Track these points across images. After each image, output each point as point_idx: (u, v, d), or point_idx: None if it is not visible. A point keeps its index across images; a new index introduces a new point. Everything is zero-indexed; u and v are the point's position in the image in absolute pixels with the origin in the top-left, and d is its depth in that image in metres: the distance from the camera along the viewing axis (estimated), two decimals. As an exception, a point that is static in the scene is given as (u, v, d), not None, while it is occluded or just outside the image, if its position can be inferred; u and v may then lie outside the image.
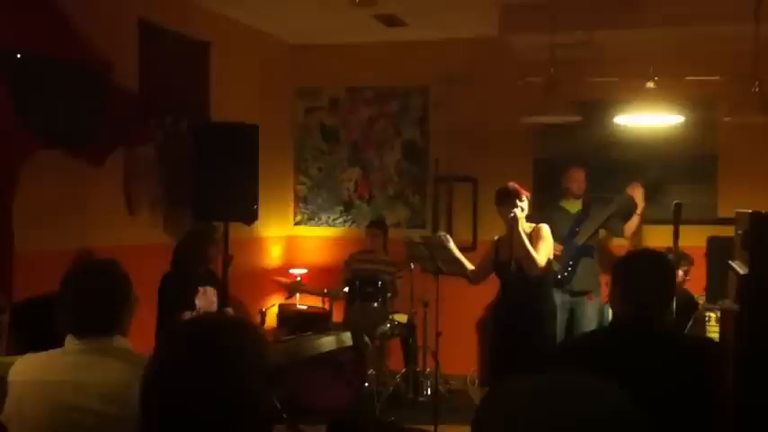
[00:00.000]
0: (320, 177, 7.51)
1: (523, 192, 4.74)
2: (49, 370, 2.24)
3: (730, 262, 2.51)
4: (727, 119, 5.04)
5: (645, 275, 2.48)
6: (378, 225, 6.76)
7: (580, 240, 5.76)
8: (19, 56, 4.30)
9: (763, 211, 2.25)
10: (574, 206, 5.92)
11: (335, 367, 5.09)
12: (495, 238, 4.97)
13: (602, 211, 5.84)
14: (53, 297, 2.35)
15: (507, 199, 4.70)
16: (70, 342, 2.27)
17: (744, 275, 2.26)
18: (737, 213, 2.49)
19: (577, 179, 5.86)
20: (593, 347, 2.48)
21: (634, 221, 5.79)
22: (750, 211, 2.31)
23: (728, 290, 3.29)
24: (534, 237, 4.71)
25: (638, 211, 5.78)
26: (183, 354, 1.47)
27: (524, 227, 4.72)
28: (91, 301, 2.28)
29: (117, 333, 2.31)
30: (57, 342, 2.29)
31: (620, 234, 5.89)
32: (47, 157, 4.55)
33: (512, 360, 4.58)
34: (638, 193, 5.76)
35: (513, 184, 4.77)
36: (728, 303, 2.43)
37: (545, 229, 4.76)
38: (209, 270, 5.00)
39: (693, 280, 5.51)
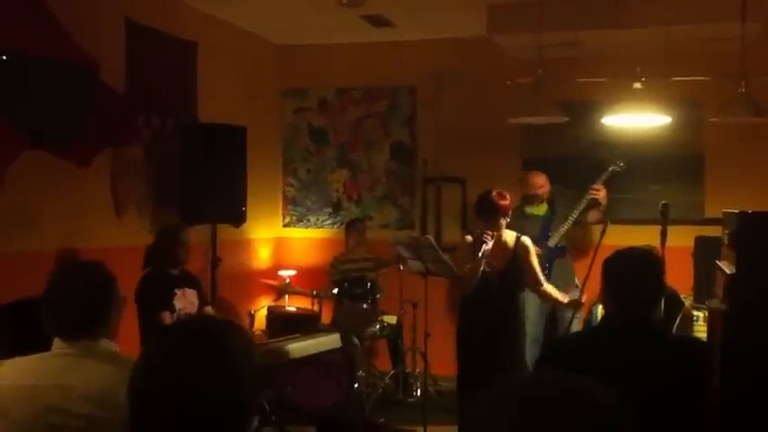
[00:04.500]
0: (309, 179, 7.49)
1: (508, 205, 4.65)
2: (35, 374, 2.22)
3: (717, 262, 2.52)
4: (713, 119, 5.05)
5: (633, 274, 2.48)
6: (354, 224, 6.76)
7: (553, 242, 5.80)
8: (4, 57, 4.26)
9: (750, 211, 2.26)
10: (540, 209, 5.95)
11: (325, 368, 5.08)
12: (469, 239, 4.84)
13: (570, 209, 5.88)
14: (39, 299, 2.34)
15: (491, 214, 4.56)
16: (57, 345, 2.26)
17: (731, 275, 2.26)
18: (725, 213, 2.49)
19: (539, 180, 5.89)
20: (583, 347, 2.48)
21: (596, 213, 5.91)
22: (737, 210, 2.31)
23: (716, 290, 3.30)
24: (523, 252, 4.67)
25: (602, 207, 5.89)
26: (170, 354, 1.48)
27: (507, 238, 4.70)
28: (76, 304, 2.27)
29: (103, 335, 2.31)
30: (44, 344, 2.28)
31: (585, 220, 5.98)
32: (33, 158, 4.52)
33: (484, 374, 4.52)
34: (600, 194, 5.86)
35: (500, 200, 4.59)
36: (716, 303, 2.44)
37: (528, 241, 4.74)
38: (186, 272, 4.94)
39: (680, 279, 5.53)
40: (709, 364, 2.36)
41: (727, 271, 2.29)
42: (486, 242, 4.50)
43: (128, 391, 1.47)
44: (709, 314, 2.80)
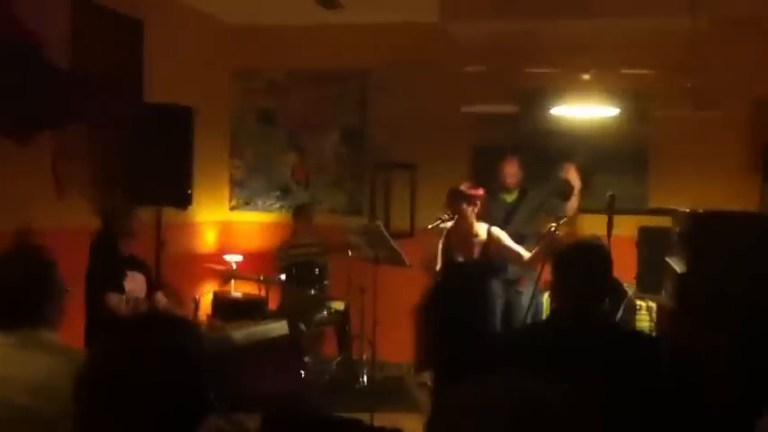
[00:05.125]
0: (257, 162, 7.39)
1: (474, 195, 4.76)
2: (-26, 366, 2.15)
3: (667, 259, 2.55)
4: (660, 113, 5.13)
5: (579, 268, 2.51)
6: (303, 209, 6.69)
7: (514, 227, 5.83)
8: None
9: (702, 210, 2.29)
10: (511, 196, 5.98)
11: (272, 355, 5.04)
12: (437, 224, 4.91)
13: (536, 194, 5.92)
14: None
15: (453, 199, 4.76)
16: None
17: (682, 274, 2.29)
18: (674, 211, 2.53)
19: (510, 170, 5.92)
20: (533, 341, 2.50)
21: (574, 202, 5.90)
22: (687, 210, 2.34)
23: (662, 282, 3.34)
24: (496, 241, 4.75)
25: (575, 191, 5.89)
26: (121, 350, 1.52)
27: (478, 230, 4.76)
28: (13, 294, 2.23)
29: (43, 325, 2.27)
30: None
31: (561, 214, 5.99)
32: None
33: (454, 348, 4.58)
34: (572, 175, 5.87)
35: (467, 189, 4.83)
36: (665, 299, 2.47)
37: (497, 230, 4.83)
38: (134, 255, 4.85)
39: (623, 268, 5.63)
40: (658, 357, 2.39)
41: (678, 269, 2.32)
42: (441, 220, 4.68)
43: (75, 385, 1.50)
44: (657, 309, 2.85)
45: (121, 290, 4.60)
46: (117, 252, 4.69)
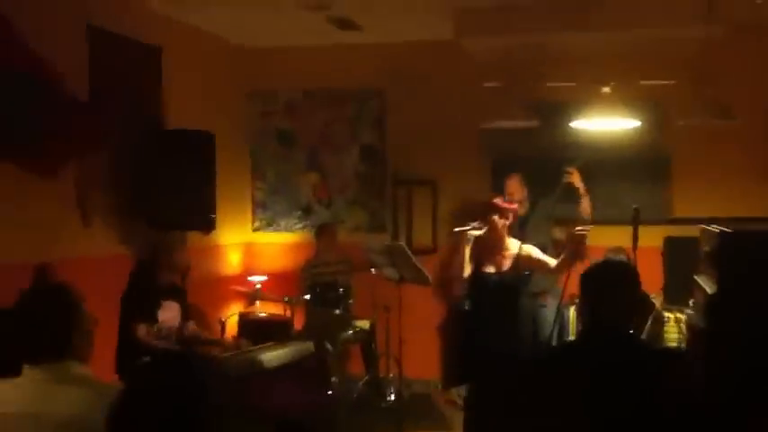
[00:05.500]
0: (278, 182, 7.43)
1: (504, 208, 4.77)
2: (6, 402, 2.19)
3: (696, 277, 2.54)
4: (681, 123, 5.11)
5: (606, 288, 2.50)
6: (325, 228, 6.73)
7: (529, 239, 5.82)
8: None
9: (731, 230, 2.27)
10: (520, 209, 5.97)
11: (298, 376, 5.05)
12: (466, 230, 4.90)
13: (545, 204, 5.91)
14: (3, 311, 2.33)
15: (485, 209, 4.76)
16: (26, 371, 2.26)
17: (712, 295, 2.28)
18: (703, 230, 2.51)
19: (510, 188, 5.91)
20: (562, 362, 2.49)
21: (585, 203, 5.88)
22: (713, 223, 2.33)
23: (689, 293, 3.32)
24: (526, 257, 4.73)
25: (582, 192, 5.87)
26: (150, 390, 1.67)
27: (510, 245, 4.76)
28: (43, 328, 2.26)
29: (74, 358, 2.29)
30: (7, 362, 2.25)
31: (574, 216, 5.99)
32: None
33: (486, 359, 4.59)
34: (575, 178, 5.85)
35: (498, 200, 4.86)
36: (694, 317, 2.46)
37: (528, 247, 4.81)
38: (174, 283, 4.89)
39: (649, 279, 5.59)
40: (688, 375, 2.38)
41: (708, 290, 2.30)
42: (472, 227, 4.68)
43: (107, 421, 1.68)
44: (688, 329, 2.83)
45: (153, 320, 4.64)
46: (155, 282, 4.73)
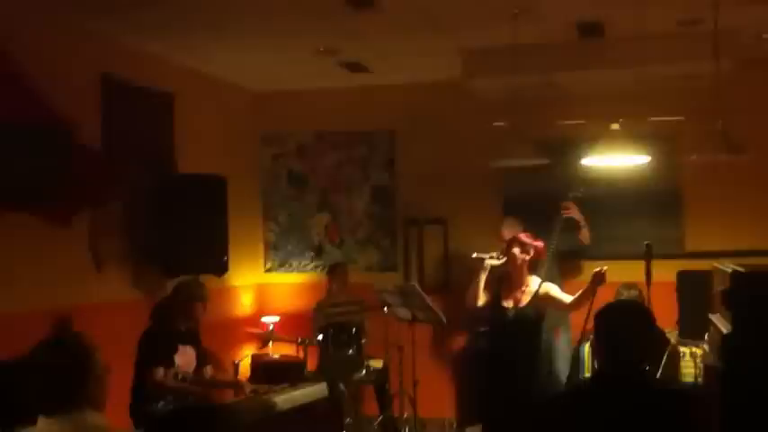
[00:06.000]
0: (289, 223, 7.47)
1: (527, 243, 4.77)
2: (24, 455, 2.19)
3: (711, 316, 2.52)
4: (693, 157, 5.10)
5: (620, 330, 2.48)
6: (337, 268, 6.74)
7: (542, 276, 5.80)
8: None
9: (743, 269, 2.27)
10: None
11: (313, 418, 5.02)
12: (484, 258, 4.89)
13: (549, 239, 5.90)
14: (18, 362, 2.33)
15: (512, 245, 4.80)
16: (41, 422, 2.25)
17: (727, 335, 2.26)
18: (715, 268, 2.50)
19: (504, 233, 5.90)
20: (576, 404, 2.47)
21: (585, 232, 5.99)
22: (729, 269, 2.32)
23: (704, 328, 3.30)
24: (544, 296, 4.70)
25: (582, 223, 5.96)
26: None
27: (530, 282, 4.75)
28: (58, 378, 2.27)
29: (89, 407, 2.29)
30: (22, 411, 2.26)
31: (578, 244, 6.01)
32: (12, 219, 4.46)
33: (506, 396, 4.55)
34: (572, 211, 5.89)
35: (520, 234, 4.91)
36: (709, 355, 2.44)
37: (548, 285, 4.79)
38: (192, 328, 4.88)
39: (663, 314, 5.55)
40: (703, 417, 2.35)
41: (723, 329, 2.29)
42: (490, 256, 4.76)
43: None
44: (704, 369, 2.81)
45: (170, 363, 4.63)
46: (173, 326, 4.73)
